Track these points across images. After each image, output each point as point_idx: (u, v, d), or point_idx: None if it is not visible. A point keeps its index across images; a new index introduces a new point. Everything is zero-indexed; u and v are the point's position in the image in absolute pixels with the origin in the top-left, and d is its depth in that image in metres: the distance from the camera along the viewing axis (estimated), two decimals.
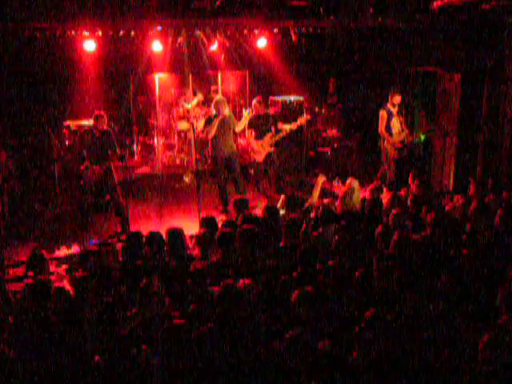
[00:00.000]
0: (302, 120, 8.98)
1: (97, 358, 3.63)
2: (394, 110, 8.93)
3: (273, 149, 8.92)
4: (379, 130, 8.97)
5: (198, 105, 10.89)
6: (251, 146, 8.88)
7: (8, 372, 3.61)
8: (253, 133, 8.80)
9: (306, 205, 6.68)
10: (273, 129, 8.89)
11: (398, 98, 8.86)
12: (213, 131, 8.27)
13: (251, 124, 8.76)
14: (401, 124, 8.96)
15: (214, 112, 8.44)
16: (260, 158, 8.88)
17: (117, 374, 3.52)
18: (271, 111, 9.09)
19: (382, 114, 8.92)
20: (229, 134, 8.46)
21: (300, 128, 9.57)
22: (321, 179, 7.11)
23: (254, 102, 8.92)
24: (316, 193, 7.16)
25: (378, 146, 9.23)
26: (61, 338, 3.82)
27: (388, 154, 8.98)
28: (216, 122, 8.26)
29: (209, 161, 10.40)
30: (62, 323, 3.97)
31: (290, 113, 10.40)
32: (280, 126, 8.95)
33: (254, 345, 3.67)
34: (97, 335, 3.97)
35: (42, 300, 4.27)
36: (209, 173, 9.91)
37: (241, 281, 4.19)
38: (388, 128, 8.88)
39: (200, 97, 10.83)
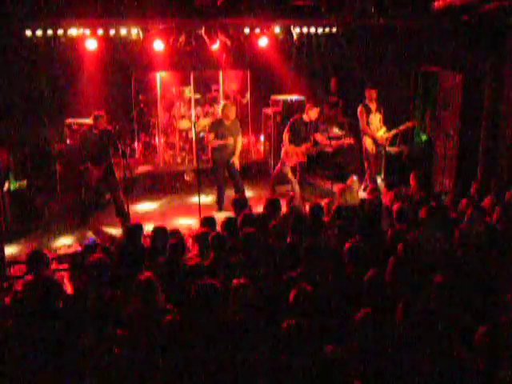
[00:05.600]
0: (346, 141, 8.79)
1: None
2: (373, 107, 8.90)
3: (305, 159, 8.73)
4: (361, 127, 8.95)
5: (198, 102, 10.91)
6: (286, 149, 8.61)
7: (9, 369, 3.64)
8: (288, 136, 8.54)
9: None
10: (311, 138, 8.66)
11: (373, 93, 8.81)
12: (212, 136, 8.24)
13: (291, 129, 8.54)
14: (379, 121, 8.95)
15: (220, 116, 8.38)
16: (291, 163, 8.66)
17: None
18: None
19: (360, 109, 8.89)
20: (234, 139, 8.38)
21: (340, 149, 9.28)
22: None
23: (308, 107, 8.65)
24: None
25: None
26: (61, 336, 3.85)
27: (367, 149, 8.97)
28: (223, 128, 8.23)
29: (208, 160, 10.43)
30: (62, 322, 3.99)
31: (290, 112, 10.34)
32: (318, 137, 8.72)
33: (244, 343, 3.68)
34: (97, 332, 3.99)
35: (44, 298, 4.27)
36: (209, 172, 9.90)
37: (235, 280, 4.18)
38: (367, 124, 8.86)
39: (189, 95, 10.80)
